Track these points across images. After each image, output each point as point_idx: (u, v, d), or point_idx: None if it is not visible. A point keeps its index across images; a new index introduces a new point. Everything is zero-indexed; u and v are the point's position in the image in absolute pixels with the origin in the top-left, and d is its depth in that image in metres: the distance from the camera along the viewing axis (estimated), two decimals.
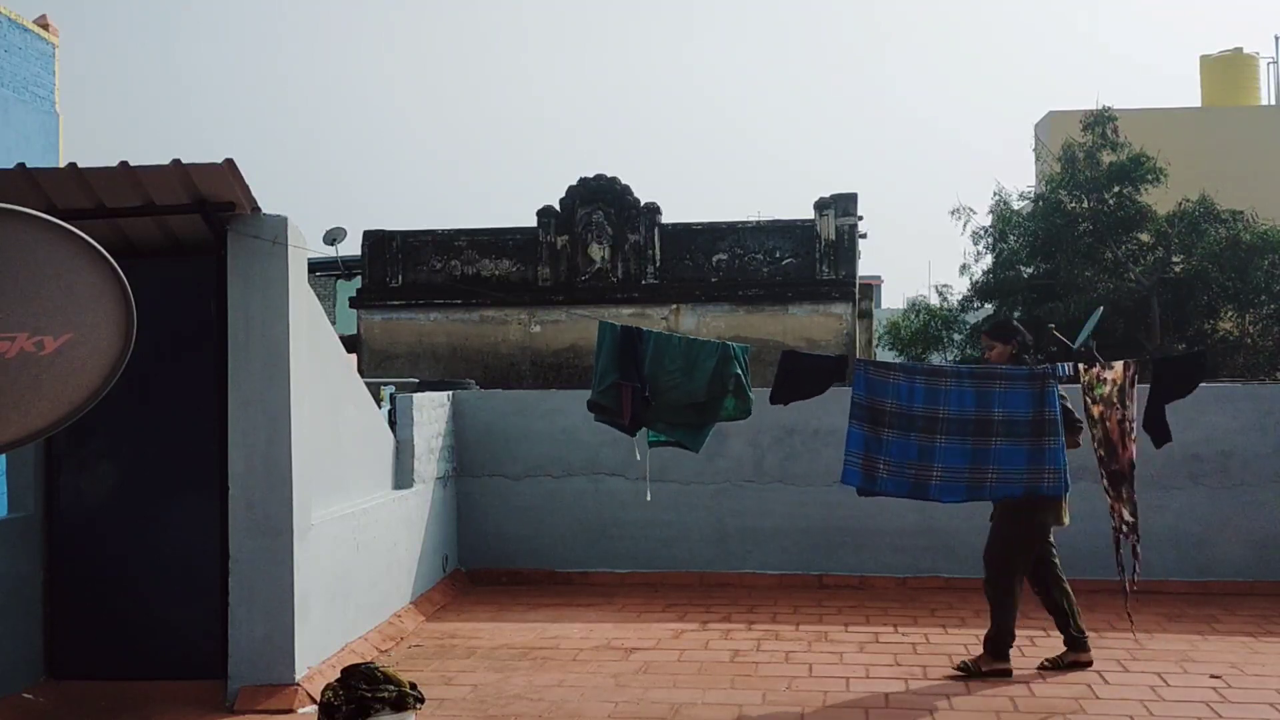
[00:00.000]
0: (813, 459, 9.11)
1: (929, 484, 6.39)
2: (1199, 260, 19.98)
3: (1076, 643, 6.65)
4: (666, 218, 17.65)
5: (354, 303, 18.37)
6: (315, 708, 5.73)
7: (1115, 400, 6.34)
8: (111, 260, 4.28)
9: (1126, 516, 6.32)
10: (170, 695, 6.03)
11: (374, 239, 18.15)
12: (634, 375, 6.74)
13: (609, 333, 6.86)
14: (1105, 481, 6.39)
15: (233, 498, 6.03)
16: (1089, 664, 6.59)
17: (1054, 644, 7.15)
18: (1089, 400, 6.41)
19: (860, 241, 17.68)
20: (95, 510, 6.30)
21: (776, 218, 17.94)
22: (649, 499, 8.04)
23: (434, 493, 8.72)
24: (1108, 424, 6.35)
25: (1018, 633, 7.45)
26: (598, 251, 17.40)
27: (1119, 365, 6.41)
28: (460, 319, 17.57)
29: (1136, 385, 6.43)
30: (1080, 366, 6.44)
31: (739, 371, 6.75)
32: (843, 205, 17.29)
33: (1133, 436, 6.34)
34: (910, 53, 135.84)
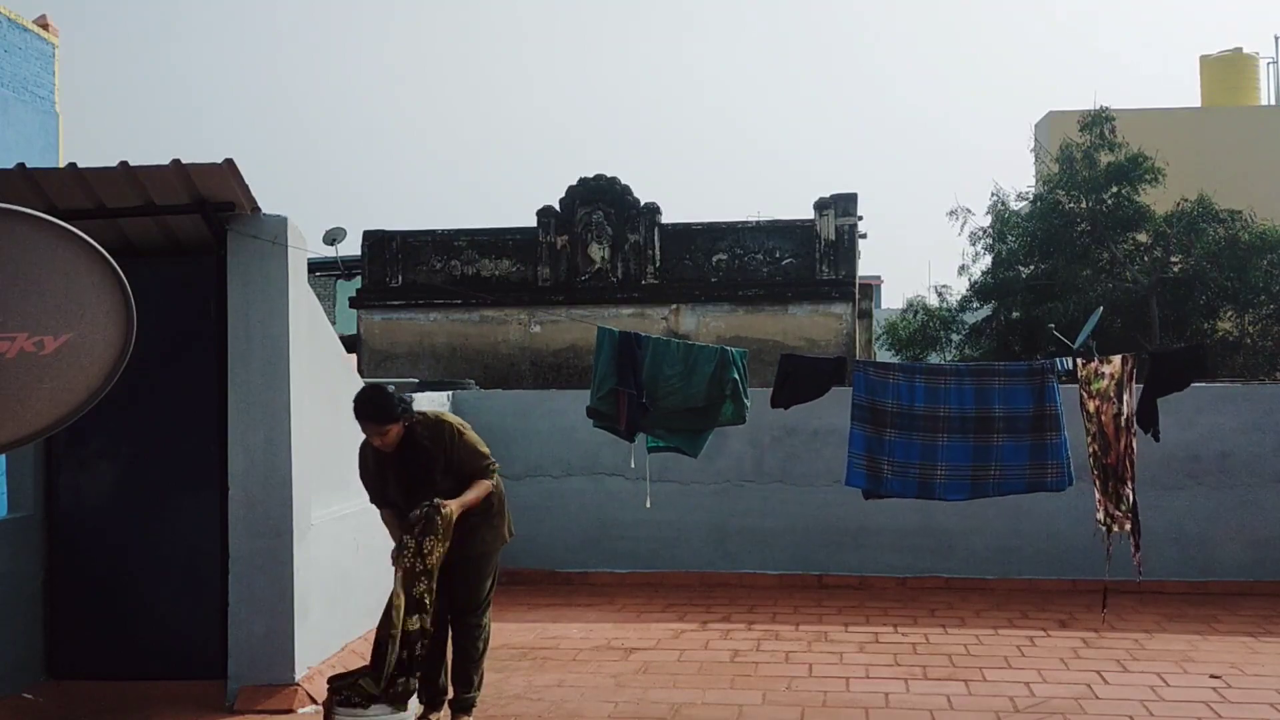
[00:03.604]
0: (813, 459, 9.12)
1: (934, 483, 6.41)
2: (1197, 260, 19.98)
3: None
4: (666, 218, 17.65)
5: (354, 303, 18.37)
6: (315, 707, 5.73)
7: (1112, 395, 6.34)
8: (111, 260, 4.28)
9: (1113, 510, 6.32)
10: (170, 695, 6.03)
11: (374, 239, 18.15)
12: (631, 382, 6.75)
13: (607, 338, 6.86)
14: (1095, 476, 6.39)
15: (233, 498, 6.03)
16: None
17: (1054, 644, 7.15)
18: (1085, 394, 6.41)
19: (860, 241, 17.68)
20: (95, 510, 6.30)
21: (776, 218, 17.92)
22: (649, 505, 8.02)
23: None
24: (1102, 418, 6.36)
25: (1017, 632, 7.48)
26: (598, 251, 17.39)
27: (1117, 360, 6.43)
28: (460, 319, 17.56)
29: (1134, 381, 6.45)
30: (1079, 361, 6.45)
31: (737, 377, 6.76)
32: (843, 205, 17.28)
33: (1132, 431, 6.35)
34: (910, 53, 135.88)
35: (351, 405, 5.45)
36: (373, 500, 5.74)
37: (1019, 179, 65.21)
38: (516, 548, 9.33)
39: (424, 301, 17.75)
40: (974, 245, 22.35)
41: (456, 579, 5.58)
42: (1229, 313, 20.79)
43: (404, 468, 5.49)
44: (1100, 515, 6.35)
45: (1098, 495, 6.36)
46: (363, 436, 5.62)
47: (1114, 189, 20.62)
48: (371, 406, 5.40)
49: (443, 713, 5.69)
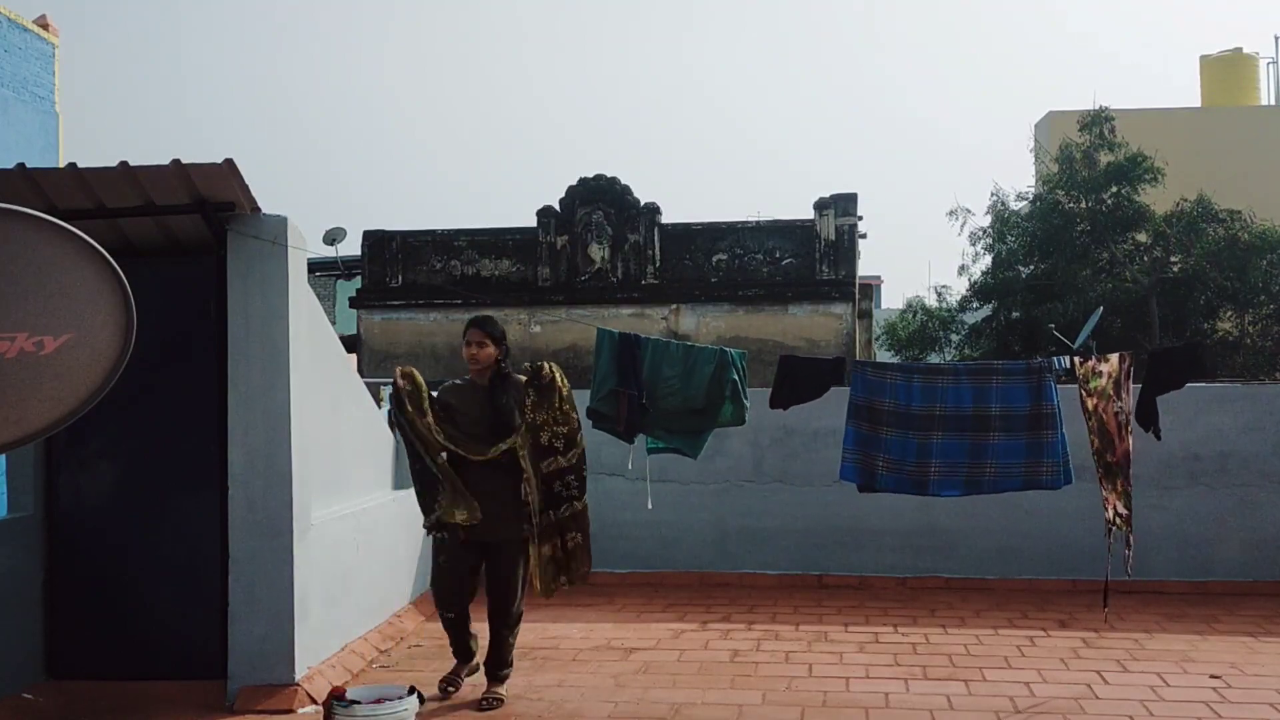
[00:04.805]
0: (812, 459, 9.12)
1: (927, 479, 6.41)
2: (1197, 260, 20.00)
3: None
4: (666, 218, 17.66)
5: (354, 303, 18.39)
6: (315, 708, 5.73)
7: (1110, 392, 6.35)
8: (111, 260, 4.28)
9: (1120, 509, 6.32)
10: (170, 695, 6.02)
11: (374, 239, 18.16)
12: (631, 383, 6.76)
13: (607, 339, 6.88)
14: (1100, 475, 6.39)
15: (233, 498, 6.03)
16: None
17: (1054, 644, 7.16)
18: (1084, 393, 6.42)
19: (860, 242, 17.70)
20: (95, 510, 6.29)
21: (776, 218, 17.94)
22: (649, 506, 8.00)
23: None
24: (1103, 416, 6.36)
25: (1018, 632, 7.48)
26: (597, 251, 17.40)
27: (1114, 358, 6.44)
28: (460, 319, 17.43)
29: (1132, 378, 6.45)
30: (1076, 360, 6.46)
31: (736, 378, 6.76)
32: (843, 205, 17.30)
33: (1129, 429, 6.35)
34: (910, 53, 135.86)
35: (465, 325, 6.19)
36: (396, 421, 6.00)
37: (1019, 179, 65.29)
38: None
39: (424, 302, 17.78)
40: (974, 245, 22.42)
41: (492, 572, 6.11)
42: (1229, 313, 20.83)
43: (484, 404, 6.03)
44: (1109, 514, 6.35)
45: (1104, 494, 6.36)
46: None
47: (1114, 189, 20.65)
48: (484, 317, 6.31)
49: (473, 664, 6.31)
